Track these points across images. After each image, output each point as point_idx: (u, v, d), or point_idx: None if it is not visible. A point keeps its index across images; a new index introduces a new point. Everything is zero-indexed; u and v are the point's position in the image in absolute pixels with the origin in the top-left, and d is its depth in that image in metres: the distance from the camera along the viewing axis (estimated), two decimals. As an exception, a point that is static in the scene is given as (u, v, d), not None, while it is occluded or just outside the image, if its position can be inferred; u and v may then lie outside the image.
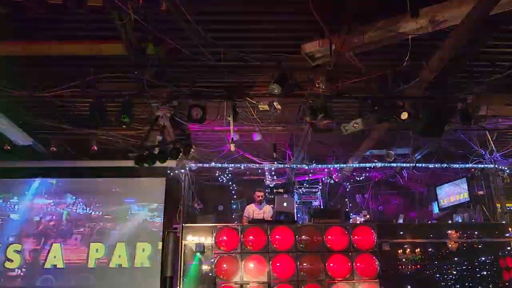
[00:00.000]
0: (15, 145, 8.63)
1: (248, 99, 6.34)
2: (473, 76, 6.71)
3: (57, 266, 9.41)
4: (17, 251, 9.46)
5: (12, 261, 9.38)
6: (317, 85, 5.89)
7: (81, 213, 9.85)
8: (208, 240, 8.14)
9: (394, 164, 9.80)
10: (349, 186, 11.91)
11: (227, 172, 10.57)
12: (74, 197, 9.93)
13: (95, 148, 8.81)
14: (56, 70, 6.37)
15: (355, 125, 5.92)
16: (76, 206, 9.89)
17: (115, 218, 9.78)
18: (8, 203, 9.83)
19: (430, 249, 8.34)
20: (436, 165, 9.72)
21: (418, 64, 5.87)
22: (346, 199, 12.07)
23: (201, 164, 9.44)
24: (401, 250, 8.27)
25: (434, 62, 5.61)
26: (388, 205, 12.37)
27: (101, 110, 6.25)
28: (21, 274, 9.31)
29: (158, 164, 6.97)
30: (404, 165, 9.95)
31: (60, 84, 6.31)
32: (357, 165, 9.89)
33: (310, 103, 5.91)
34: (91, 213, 9.86)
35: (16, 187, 9.91)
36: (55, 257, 9.44)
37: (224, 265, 7.90)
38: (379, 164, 9.75)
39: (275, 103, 6.28)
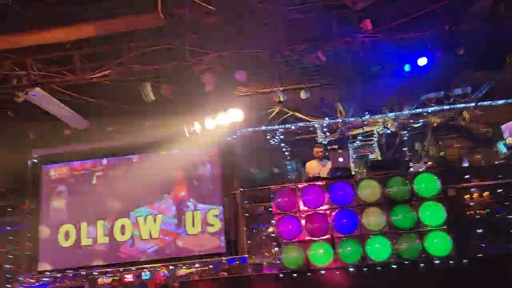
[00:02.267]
0: (73, 129, 9.03)
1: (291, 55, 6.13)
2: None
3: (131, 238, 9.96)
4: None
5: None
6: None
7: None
8: (266, 202, 8.19)
9: (454, 106, 9.26)
10: (406, 135, 11.45)
11: (278, 134, 10.48)
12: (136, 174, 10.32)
13: (148, 123, 9.01)
14: (100, 51, 6.48)
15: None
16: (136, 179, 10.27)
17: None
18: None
19: (500, 191, 7.90)
20: (499, 102, 9.08)
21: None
22: (405, 148, 11.63)
23: (251, 129, 9.42)
24: (468, 195, 7.89)
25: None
26: (450, 150, 11.78)
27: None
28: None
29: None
30: (465, 105, 9.37)
31: (105, 64, 6.43)
32: (413, 111, 9.45)
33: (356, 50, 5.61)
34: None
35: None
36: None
37: (285, 225, 7.91)
38: (437, 108, 9.25)
39: (319, 55, 6.03)
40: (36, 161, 10.36)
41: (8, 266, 11.16)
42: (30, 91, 6.59)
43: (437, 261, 7.06)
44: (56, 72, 6.56)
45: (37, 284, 9.83)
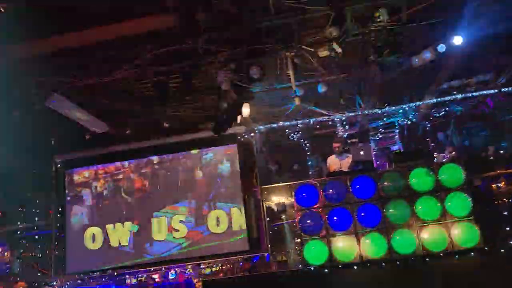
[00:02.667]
0: (93, 133, 9.14)
1: (305, 47, 6.03)
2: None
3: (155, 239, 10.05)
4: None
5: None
6: (378, 20, 5.42)
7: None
8: (288, 199, 8.13)
9: (476, 93, 8.99)
10: (428, 125, 11.19)
11: (297, 130, 10.39)
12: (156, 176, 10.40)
13: (166, 125, 9.05)
14: (114, 54, 6.52)
15: (425, 56, 5.40)
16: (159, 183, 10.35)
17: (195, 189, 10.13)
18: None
19: (528, 179, 7.65)
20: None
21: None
22: (428, 139, 11.37)
23: (269, 125, 9.37)
24: (494, 184, 7.67)
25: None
26: (475, 138, 11.45)
27: (164, 87, 6.35)
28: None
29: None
30: (488, 92, 9.09)
31: (120, 67, 6.47)
32: (435, 100, 9.22)
33: (372, 40, 5.47)
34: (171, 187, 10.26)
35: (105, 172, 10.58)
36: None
37: (308, 221, 7.83)
38: (459, 96, 8.99)
39: (334, 47, 5.90)
40: (59, 166, 10.54)
41: (38, 269, 11.43)
42: (49, 97, 6.70)
43: (464, 253, 6.89)
44: (73, 77, 6.65)
45: (65, 286, 10.02)
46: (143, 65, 6.28)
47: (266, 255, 8.88)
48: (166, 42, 6.11)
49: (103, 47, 6.28)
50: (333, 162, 8.88)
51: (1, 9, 4.74)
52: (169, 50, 6.12)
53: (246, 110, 7.19)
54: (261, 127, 9.32)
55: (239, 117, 7.01)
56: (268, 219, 8.76)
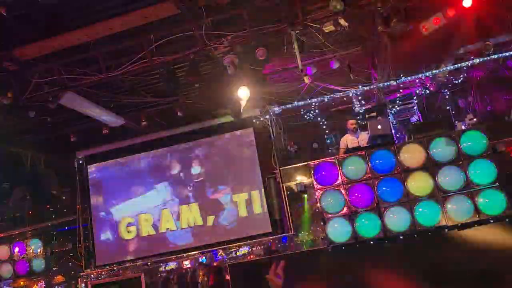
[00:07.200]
0: (111, 127, 9.25)
1: (310, 24, 5.88)
2: None
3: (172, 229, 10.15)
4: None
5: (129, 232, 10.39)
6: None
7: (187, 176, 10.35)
8: (308, 179, 8.07)
9: (496, 56, 8.64)
10: (448, 93, 10.87)
11: (313, 108, 10.24)
12: (176, 164, 10.45)
13: (180, 114, 9.07)
14: (120, 48, 6.53)
15: (435, 21, 5.16)
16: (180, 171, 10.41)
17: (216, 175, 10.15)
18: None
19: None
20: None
21: None
22: (448, 107, 11.05)
23: (284, 106, 9.26)
24: (519, 148, 7.42)
25: None
26: (497, 103, 11.05)
27: (172, 76, 6.34)
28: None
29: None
30: (508, 53, 8.72)
31: (127, 60, 6.48)
32: (452, 67, 8.90)
33: (379, 9, 5.27)
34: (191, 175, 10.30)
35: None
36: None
37: (329, 199, 7.77)
38: (477, 60, 8.65)
39: (340, 21, 5.72)
40: (81, 162, 10.74)
41: (72, 263, 11.80)
42: (62, 95, 6.77)
43: (491, 220, 6.72)
44: (82, 74, 6.71)
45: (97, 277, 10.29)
46: (150, 56, 6.26)
47: (286, 236, 8.86)
48: (170, 30, 6.07)
49: (111, 41, 6.29)
50: (350, 141, 8.75)
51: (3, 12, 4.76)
52: (173, 38, 6.08)
53: (243, 92, 6.99)
54: (276, 108, 9.22)
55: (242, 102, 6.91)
56: (288, 200, 8.73)
